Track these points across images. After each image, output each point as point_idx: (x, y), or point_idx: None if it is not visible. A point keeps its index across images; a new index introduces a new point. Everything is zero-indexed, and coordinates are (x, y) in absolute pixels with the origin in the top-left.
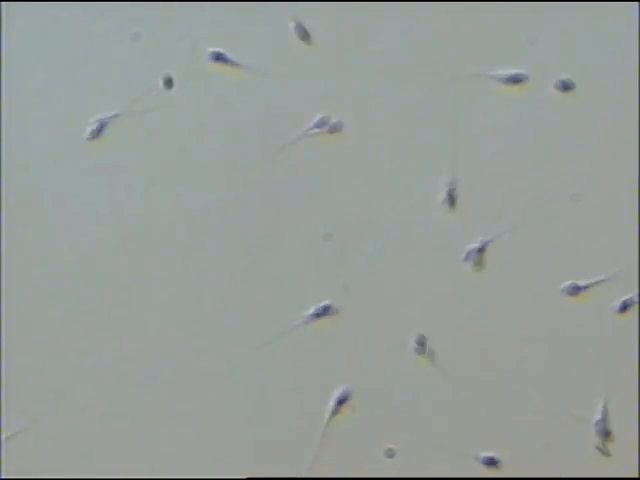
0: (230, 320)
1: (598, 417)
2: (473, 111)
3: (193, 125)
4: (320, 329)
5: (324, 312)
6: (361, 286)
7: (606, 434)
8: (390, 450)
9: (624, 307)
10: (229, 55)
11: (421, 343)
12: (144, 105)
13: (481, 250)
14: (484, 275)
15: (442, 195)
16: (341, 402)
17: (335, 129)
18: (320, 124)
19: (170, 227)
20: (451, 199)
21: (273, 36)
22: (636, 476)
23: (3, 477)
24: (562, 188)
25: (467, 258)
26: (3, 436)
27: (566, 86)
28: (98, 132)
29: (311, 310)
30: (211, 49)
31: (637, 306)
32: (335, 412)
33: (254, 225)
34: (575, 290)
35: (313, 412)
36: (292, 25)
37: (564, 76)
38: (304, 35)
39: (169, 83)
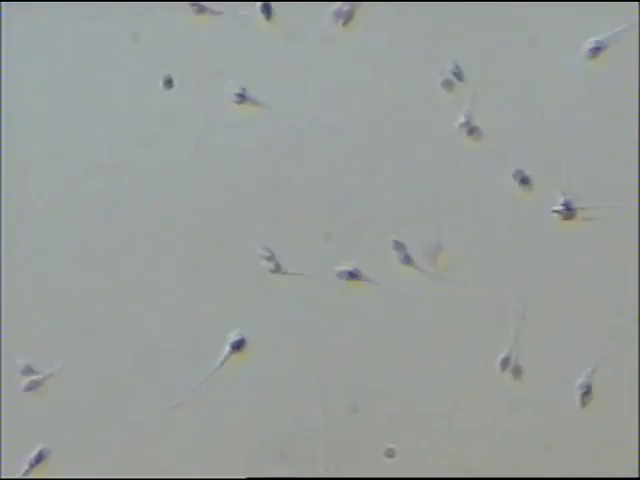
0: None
1: None
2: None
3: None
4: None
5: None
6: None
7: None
8: (390, 450)
9: None
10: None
11: None
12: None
13: None
14: None
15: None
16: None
17: None
18: None
19: (169, 227)
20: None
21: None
22: (636, 476)
23: (3, 477)
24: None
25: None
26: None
27: None
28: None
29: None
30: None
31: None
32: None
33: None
34: None
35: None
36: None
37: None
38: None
39: (169, 83)
